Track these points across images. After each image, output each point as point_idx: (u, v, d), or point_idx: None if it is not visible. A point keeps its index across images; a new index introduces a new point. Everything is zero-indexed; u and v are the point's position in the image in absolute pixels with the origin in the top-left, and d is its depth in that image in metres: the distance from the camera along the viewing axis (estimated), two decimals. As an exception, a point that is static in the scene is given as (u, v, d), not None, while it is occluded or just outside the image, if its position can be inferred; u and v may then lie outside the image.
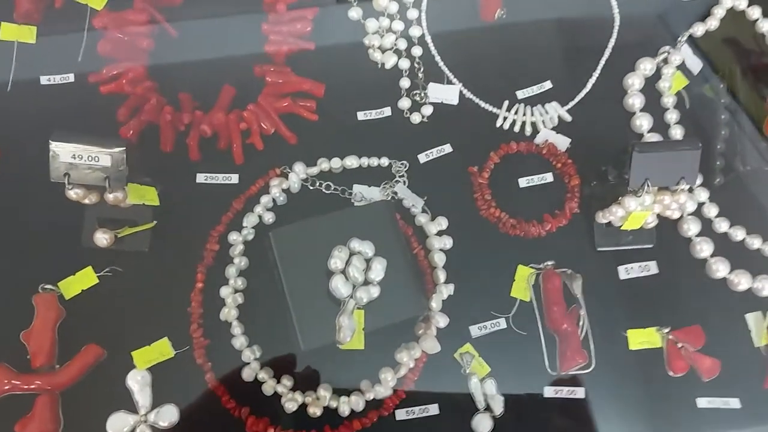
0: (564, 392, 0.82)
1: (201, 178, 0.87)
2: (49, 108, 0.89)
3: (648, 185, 0.75)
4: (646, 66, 0.94)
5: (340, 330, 0.70)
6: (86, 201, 0.77)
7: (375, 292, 0.73)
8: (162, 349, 0.80)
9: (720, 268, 0.86)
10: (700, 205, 0.90)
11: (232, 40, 0.93)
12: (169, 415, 0.77)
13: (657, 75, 0.95)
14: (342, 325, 0.70)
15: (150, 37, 0.90)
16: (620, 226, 0.84)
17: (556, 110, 0.92)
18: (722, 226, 0.89)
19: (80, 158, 0.72)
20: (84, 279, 0.82)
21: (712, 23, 0.97)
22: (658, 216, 0.85)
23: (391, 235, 0.77)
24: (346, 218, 0.77)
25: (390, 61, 0.93)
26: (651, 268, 0.87)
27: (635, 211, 0.80)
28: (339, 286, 0.71)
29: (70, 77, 0.90)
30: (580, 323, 0.83)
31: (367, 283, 0.73)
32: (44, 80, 0.90)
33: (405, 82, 0.92)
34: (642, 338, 0.84)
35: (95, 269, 0.82)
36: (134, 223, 0.82)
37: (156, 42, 0.91)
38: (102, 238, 0.80)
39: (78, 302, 0.81)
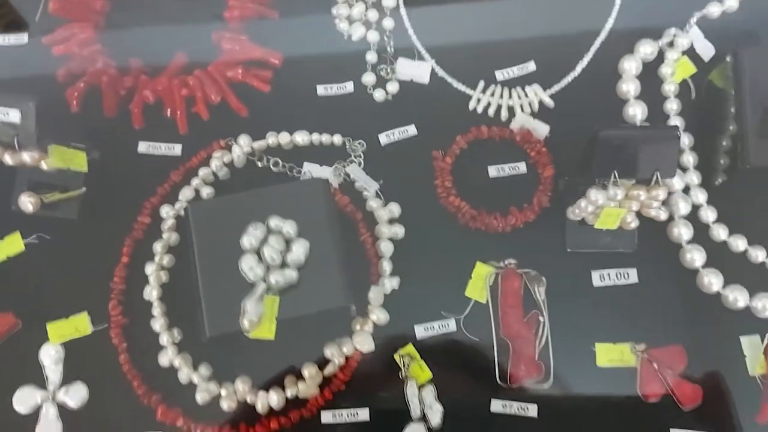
0: (514, 408, 0.72)
1: (143, 147, 0.82)
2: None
3: (615, 176, 0.64)
4: (647, 49, 0.83)
5: (243, 315, 0.63)
6: (8, 161, 0.73)
7: (292, 276, 0.66)
8: (79, 325, 0.75)
9: (713, 281, 0.75)
10: (696, 207, 0.78)
11: (190, 5, 0.88)
12: (78, 394, 0.73)
13: (660, 60, 0.84)
14: (246, 309, 0.63)
15: (105, -1, 0.86)
16: (594, 225, 0.74)
17: (537, 94, 0.83)
18: (720, 233, 0.77)
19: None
20: (10, 245, 0.78)
21: (731, 3, 0.85)
22: (641, 216, 0.74)
23: (323, 217, 0.69)
24: (275, 195, 0.70)
25: (357, 32, 0.85)
26: (630, 275, 0.76)
27: (608, 207, 0.70)
28: (250, 266, 0.64)
29: (24, 38, 0.87)
30: (540, 332, 0.73)
31: (284, 266, 0.66)
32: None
33: (371, 56, 0.85)
34: (612, 354, 0.74)
35: (23, 235, 0.78)
36: (66, 189, 0.78)
37: (112, 4, 0.86)
38: (27, 202, 0.75)
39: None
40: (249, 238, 0.65)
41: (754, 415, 0.70)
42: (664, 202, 0.75)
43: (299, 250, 0.66)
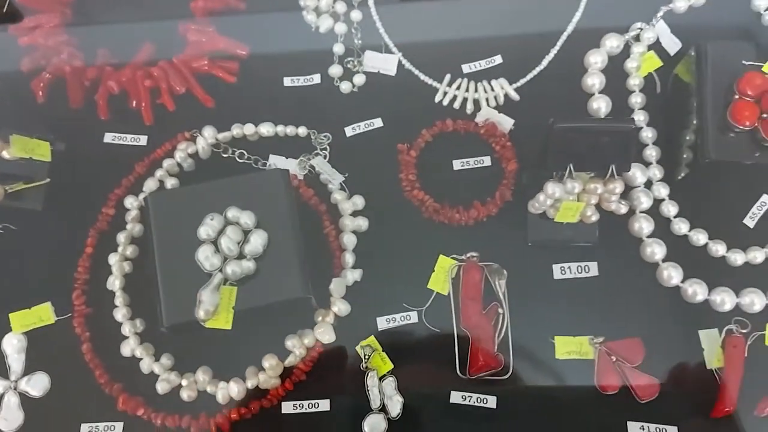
0: (473, 399, 0.72)
1: (109, 137, 0.82)
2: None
3: (570, 169, 0.65)
4: (613, 43, 0.84)
5: (199, 305, 0.63)
6: (-31, 151, 0.73)
7: (250, 267, 0.66)
8: (42, 314, 0.75)
9: (673, 275, 0.75)
10: (658, 201, 0.78)
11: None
12: (40, 383, 0.73)
13: (625, 54, 0.84)
14: (202, 299, 0.63)
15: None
16: (555, 219, 0.74)
17: (502, 87, 0.83)
18: (681, 227, 0.77)
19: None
20: (-25, 235, 0.78)
21: (697, -1, 0.85)
22: (602, 210, 0.74)
23: (282, 207, 0.69)
24: (235, 186, 0.70)
25: (325, 24, 0.85)
26: (591, 269, 0.76)
27: (566, 201, 0.70)
28: (206, 256, 0.65)
29: (-9, 28, 0.87)
30: (500, 324, 0.74)
31: (241, 256, 0.66)
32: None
33: (339, 48, 0.85)
34: (571, 347, 0.74)
35: (-13, 225, 0.78)
36: (30, 179, 0.78)
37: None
38: (-10, 193, 0.76)
39: (-37, 257, 0.78)
40: (206, 229, 0.66)
41: (710, 408, 0.71)
42: (626, 196, 0.76)
43: (257, 241, 0.66)
